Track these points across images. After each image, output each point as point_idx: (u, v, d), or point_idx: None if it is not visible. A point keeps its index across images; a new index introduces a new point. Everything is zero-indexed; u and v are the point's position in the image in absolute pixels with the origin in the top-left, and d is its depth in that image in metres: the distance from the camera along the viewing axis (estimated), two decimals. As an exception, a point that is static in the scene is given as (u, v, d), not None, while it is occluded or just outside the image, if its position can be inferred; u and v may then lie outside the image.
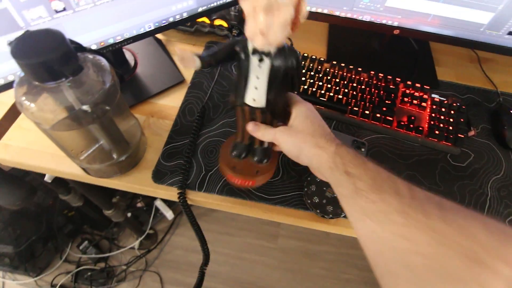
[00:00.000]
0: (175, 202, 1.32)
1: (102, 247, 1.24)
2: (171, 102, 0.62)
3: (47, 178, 0.63)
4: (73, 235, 1.23)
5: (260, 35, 0.31)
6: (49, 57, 0.32)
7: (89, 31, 0.51)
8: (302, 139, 0.36)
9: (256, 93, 0.37)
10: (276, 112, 0.39)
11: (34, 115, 0.37)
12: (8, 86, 0.49)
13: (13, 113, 0.59)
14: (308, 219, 0.50)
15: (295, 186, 0.52)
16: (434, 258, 0.22)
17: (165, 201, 1.29)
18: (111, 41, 0.54)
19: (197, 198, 0.51)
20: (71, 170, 0.52)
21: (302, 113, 0.38)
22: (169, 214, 1.28)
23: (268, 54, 0.34)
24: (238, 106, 0.39)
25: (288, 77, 0.37)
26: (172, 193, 0.51)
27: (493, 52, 0.65)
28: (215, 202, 0.51)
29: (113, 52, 0.61)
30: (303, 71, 0.65)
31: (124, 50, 0.66)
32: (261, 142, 0.42)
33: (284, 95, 0.40)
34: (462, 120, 0.60)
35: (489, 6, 0.57)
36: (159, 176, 0.52)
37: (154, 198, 1.29)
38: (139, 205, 1.23)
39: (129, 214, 1.09)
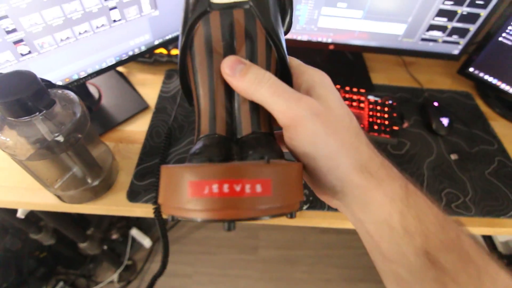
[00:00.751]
0: (152, 229, 1.32)
1: (79, 286, 1.20)
2: (138, 128, 0.66)
3: (20, 214, 0.63)
4: (47, 278, 1.18)
5: None
6: (23, 95, 0.37)
7: (54, 69, 0.55)
8: (342, 144, 0.19)
9: None
10: (269, 15, 0.20)
11: (10, 148, 0.40)
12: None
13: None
14: (275, 215, 0.56)
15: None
16: None
17: (141, 228, 1.29)
18: (75, 77, 0.59)
19: (171, 210, 0.55)
20: (45, 200, 0.54)
21: (323, 82, 0.21)
22: (146, 242, 1.28)
23: None
24: (199, 24, 0.20)
25: None
26: (147, 210, 0.54)
27: (413, 56, 0.77)
28: (188, 212, 0.55)
29: (78, 87, 0.65)
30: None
31: (87, 84, 0.70)
32: (255, 123, 0.20)
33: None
34: (395, 115, 0.70)
35: (401, 19, 0.69)
36: (133, 195, 0.55)
37: (129, 228, 1.28)
38: (114, 237, 1.22)
39: (105, 247, 1.08)
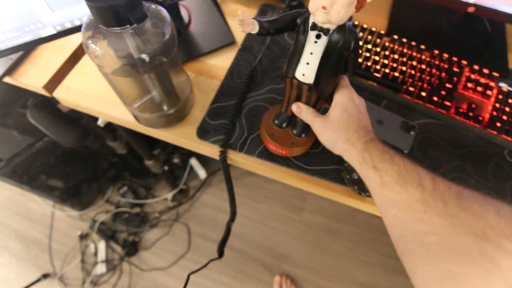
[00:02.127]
0: (209, 163, 1.38)
1: (139, 194, 1.34)
2: (220, 63, 0.62)
3: (100, 122, 0.67)
4: (115, 180, 1.34)
5: (322, 11, 0.31)
6: (117, 2, 0.33)
7: (151, -19, 0.51)
8: (336, 133, 0.38)
9: (307, 69, 0.37)
10: (323, 93, 0.40)
11: (98, 58, 0.39)
12: (74, 30, 0.51)
13: (75, 57, 0.63)
14: (343, 194, 0.50)
15: (334, 160, 0.52)
16: (447, 237, 0.25)
17: (200, 160, 1.35)
18: (170, -7, 0.55)
19: (237, 158, 0.52)
20: (123, 117, 0.55)
21: (342, 103, 0.39)
22: (202, 173, 1.34)
23: (326, 32, 0.34)
24: (288, 78, 0.39)
25: (342, 59, 0.36)
26: (213, 150, 0.53)
27: None
28: (253, 165, 0.52)
29: (170, 6, 0.62)
30: (360, 43, 0.61)
31: (179, 5, 0.66)
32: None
33: (335, 78, 0.40)
34: (530, 115, 0.54)
35: None
36: (203, 132, 0.53)
37: (190, 156, 1.34)
38: (175, 161, 1.30)
39: (166, 168, 1.16)
